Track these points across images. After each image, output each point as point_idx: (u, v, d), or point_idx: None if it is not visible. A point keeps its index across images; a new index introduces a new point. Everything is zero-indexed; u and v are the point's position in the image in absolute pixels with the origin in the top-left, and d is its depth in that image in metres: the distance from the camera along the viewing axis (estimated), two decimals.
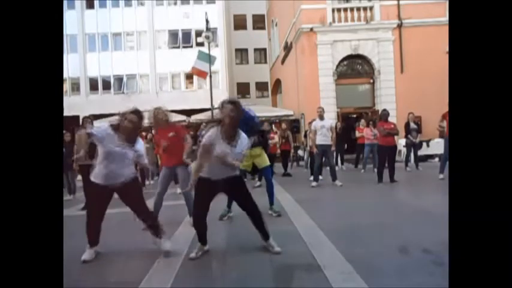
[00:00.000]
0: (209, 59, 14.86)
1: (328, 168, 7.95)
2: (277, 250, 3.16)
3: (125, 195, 3.41)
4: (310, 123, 9.32)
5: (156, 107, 4.51)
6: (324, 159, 7.87)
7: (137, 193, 3.48)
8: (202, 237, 3.26)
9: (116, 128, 3.23)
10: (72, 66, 21.78)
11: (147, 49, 22.52)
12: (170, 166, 4.59)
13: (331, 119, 11.54)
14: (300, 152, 14.19)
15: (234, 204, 4.44)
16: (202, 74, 15.47)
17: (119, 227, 4.90)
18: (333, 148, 7.71)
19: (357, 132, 11.42)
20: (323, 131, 7.56)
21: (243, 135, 3.13)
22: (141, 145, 3.44)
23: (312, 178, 8.22)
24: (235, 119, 3.01)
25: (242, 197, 3.30)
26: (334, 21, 15.46)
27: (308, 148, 10.56)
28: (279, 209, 4.92)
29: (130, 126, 3.19)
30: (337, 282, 2.45)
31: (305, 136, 12.08)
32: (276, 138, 9.43)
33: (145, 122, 3.52)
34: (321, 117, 7.71)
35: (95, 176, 3.36)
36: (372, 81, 16.06)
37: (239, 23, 29.61)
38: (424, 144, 12.05)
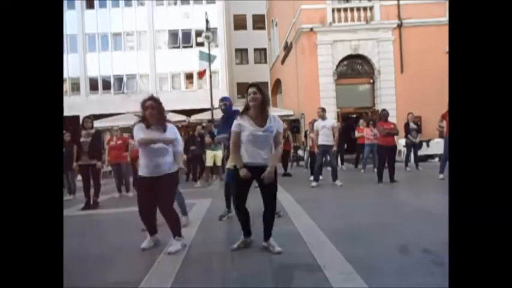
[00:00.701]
0: (209, 58, 14.86)
1: (328, 168, 7.96)
2: (278, 250, 3.15)
3: (160, 187, 3.41)
4: (310, 123, 9.32)
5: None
6: (324, 159, 7.88)
7: (172, 187, 3.55)
8: (246, 227, 3.32)
9: (144, 122, 3.39)
10: (72, 66, 21.79)
11: (147, 49, 22.53)
12: None
13: (332, 119, 11.54)
14: (300, 152, 14.20)
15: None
16: (201, 74, 15.53)
17: (119, 227, 4.91)
18: (335, 148, 7.67)
19: (357, 132, 11.42)
20: (324, 131, 7.55)
21: (273, 116, 3.22)
22: (172, 131, 3.50)
23: (312, 178, 8.22)
24: (260, 100, 3.11)
25: (270, 188, 3.24)
26: (334, 21, 15.45)
27: (308, 148, 10.57)
28: (279, 209, 4.89)
29: (154, 111, 3.35)
30: (337, 282, 2.45)
31: (305, 136, 12.09)
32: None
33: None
34: (322, 118, 7.70)
35: (140, 170, 3.49)
36: (372, 81, 16.06)
37: (239, 23, 29.59)
38: (424, 144, 12.05)
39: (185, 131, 14.74)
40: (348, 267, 2.72)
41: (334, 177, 7.61)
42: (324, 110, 7.91)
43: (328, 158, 7.80)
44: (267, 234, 3.28)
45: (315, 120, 8.32)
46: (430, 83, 14.38)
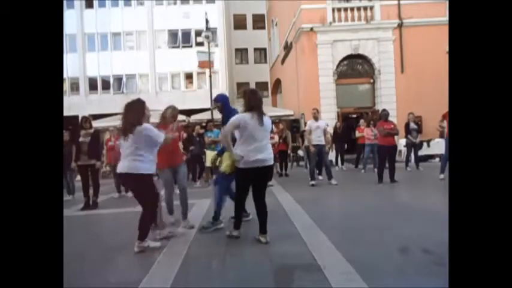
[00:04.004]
0: (209, 57, 14.89)
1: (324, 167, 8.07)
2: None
3: None
4: (306, 124, 9.42)
5: (170, 106, 4.68)
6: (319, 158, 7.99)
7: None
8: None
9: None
10: (71, 66, 21.76)
11: (147, 49, 22.50)
12: (173, 167, 4.57)
13: (330, 119, 11.60)
14: (300, 152, 14.19)
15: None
16: (206, 65, 15.53)
17: (118, 227, 4.90)
18: (326, 149, 7.83)
19: (357, 132, 11.42)
20: (318, 131, 7.76)
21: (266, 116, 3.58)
22: None
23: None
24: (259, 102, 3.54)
25: (265, 186, 3.64)
26: (334, 20, 15.44)
27: (303, 147, 10.64)
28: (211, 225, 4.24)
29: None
30: (337, 282, 2.45)
31: (301, 136, 12.10)
32: (276, 138, 9.44)
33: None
34: (316, 118, 7.88)
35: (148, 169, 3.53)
36: (372, 81, 16.05)
37: (239, 23, 29.58)
38: (425, 144, 12.05)
39: (185, 130, 14.73)
40: (348, 267, 2.72)
41: (329, 176, 7.78)
42: (318, 111, 8.14)
43: (323, 157, 7.93)
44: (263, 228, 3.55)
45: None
46: (430, 83, 14.38)
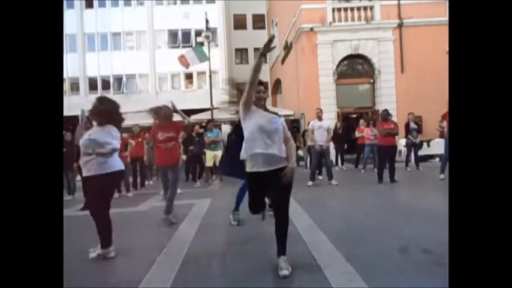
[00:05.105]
0: (208, 57, 14.89)
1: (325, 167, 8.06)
2: (284, 274, 2.62)
3: None
4: (309, 123, 9.38)
5: (165, 104, 4.75)
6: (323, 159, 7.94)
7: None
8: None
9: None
10: (71, 66, 21.76)
11: (147, 49, 22.51)
12: (167, 166, 4.66)
13: (330, 119, 11.61)
14: (300, 152, 14.19)
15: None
16: (185, 63, 15.23)
17: (118, 227, 4.90)
18: (329, 149, 7.81)
19: (357, 133, 11.42)
20: (320, 131, 7.69)
21: None
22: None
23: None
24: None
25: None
26: (334, 20, 15.44)
27: (305, 148, 10.63)
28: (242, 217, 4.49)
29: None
30: (337, 282, 2.45)
31: (303, 136, 12.08)
32: None
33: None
34: (319, 118, 7.83)
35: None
36: (372, 81, 16.05)
37: (239, 23, 29.59)
38: (425, 144, 12.05)
39: (185, 130, 14.71)
40: (348, 267, 2.73)
41: (330, 176, 7.74)
42: (321, 111, 8.05)
43: (325, 157, 7.92)
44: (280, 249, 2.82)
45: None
46: (430, 83, 14.37)
